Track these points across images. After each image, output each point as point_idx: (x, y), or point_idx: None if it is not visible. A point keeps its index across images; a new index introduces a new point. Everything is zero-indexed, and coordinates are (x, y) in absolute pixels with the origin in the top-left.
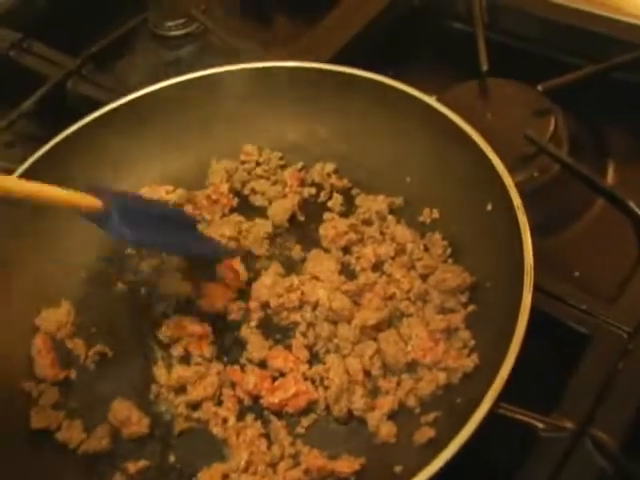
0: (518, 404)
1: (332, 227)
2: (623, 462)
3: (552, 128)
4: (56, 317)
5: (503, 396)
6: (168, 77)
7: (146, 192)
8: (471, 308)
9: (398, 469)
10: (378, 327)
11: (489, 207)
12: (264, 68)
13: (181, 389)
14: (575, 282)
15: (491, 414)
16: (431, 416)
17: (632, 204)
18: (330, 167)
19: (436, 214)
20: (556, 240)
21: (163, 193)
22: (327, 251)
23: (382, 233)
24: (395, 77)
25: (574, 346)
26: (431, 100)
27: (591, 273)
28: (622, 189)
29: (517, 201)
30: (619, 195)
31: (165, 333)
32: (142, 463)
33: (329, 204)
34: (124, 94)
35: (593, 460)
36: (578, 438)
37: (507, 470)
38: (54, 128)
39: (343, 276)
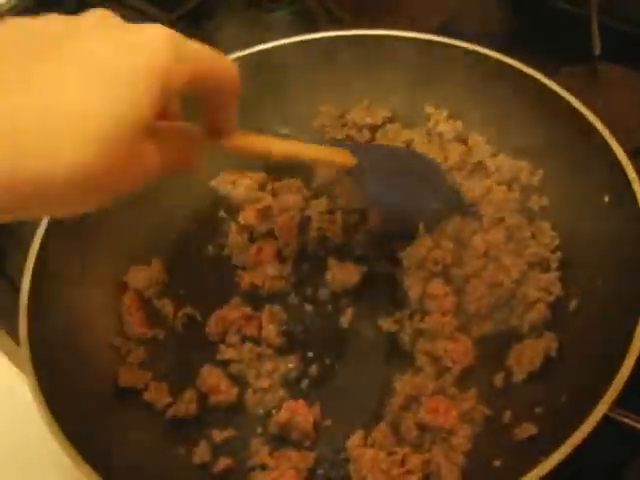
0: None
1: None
2: None
3: None
4: (146, 275)
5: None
6: (262, 40)
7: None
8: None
9: (497, 463)
10: None
11: (606, 199)
12: (372, 36)
13: None
14: None
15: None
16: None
17: None
18: None
19: (545, 201)
20: None
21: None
22: None
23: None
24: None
25: None
26: (547, 80)
27: None
28: None
29: None
30: None
31: None
32: (228, 432)
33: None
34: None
35: None
36: None
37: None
38: None
39: None
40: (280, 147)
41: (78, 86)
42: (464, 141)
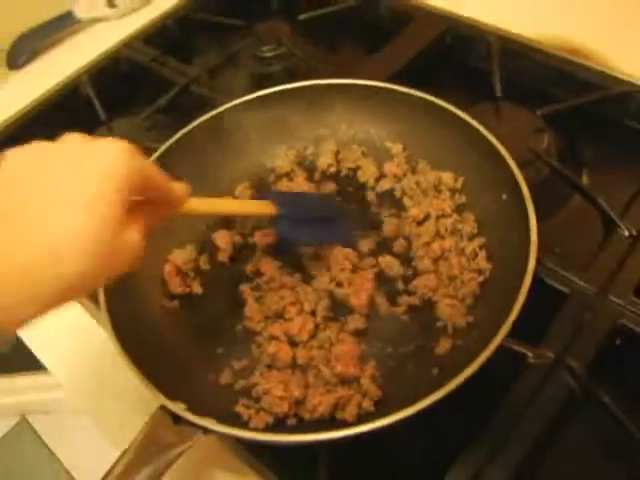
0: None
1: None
2: (587, 383)
3: (546, 143)
4: (183, 256)
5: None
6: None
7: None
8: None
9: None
10: None
11: (504, 197)
12: (341, 84)
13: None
14: (556, 255)
15: (500, 345)
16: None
17: (601, 200)
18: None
19: (463, 199)
20: (543, 225)
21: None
22: None
23: None
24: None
25: (556, 300)
26: (465, 115)
27: (568, 250)
28: (594, 189)
29: (526, 193)
30: (591, 193)
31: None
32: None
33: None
34: (232, 97)
35: (566, 381)
36: (556, 364)
37: (497, 391)
38: (181, 120)
39: None
40: (216, 206)
41: (63, 217)
42: (414, 167)
